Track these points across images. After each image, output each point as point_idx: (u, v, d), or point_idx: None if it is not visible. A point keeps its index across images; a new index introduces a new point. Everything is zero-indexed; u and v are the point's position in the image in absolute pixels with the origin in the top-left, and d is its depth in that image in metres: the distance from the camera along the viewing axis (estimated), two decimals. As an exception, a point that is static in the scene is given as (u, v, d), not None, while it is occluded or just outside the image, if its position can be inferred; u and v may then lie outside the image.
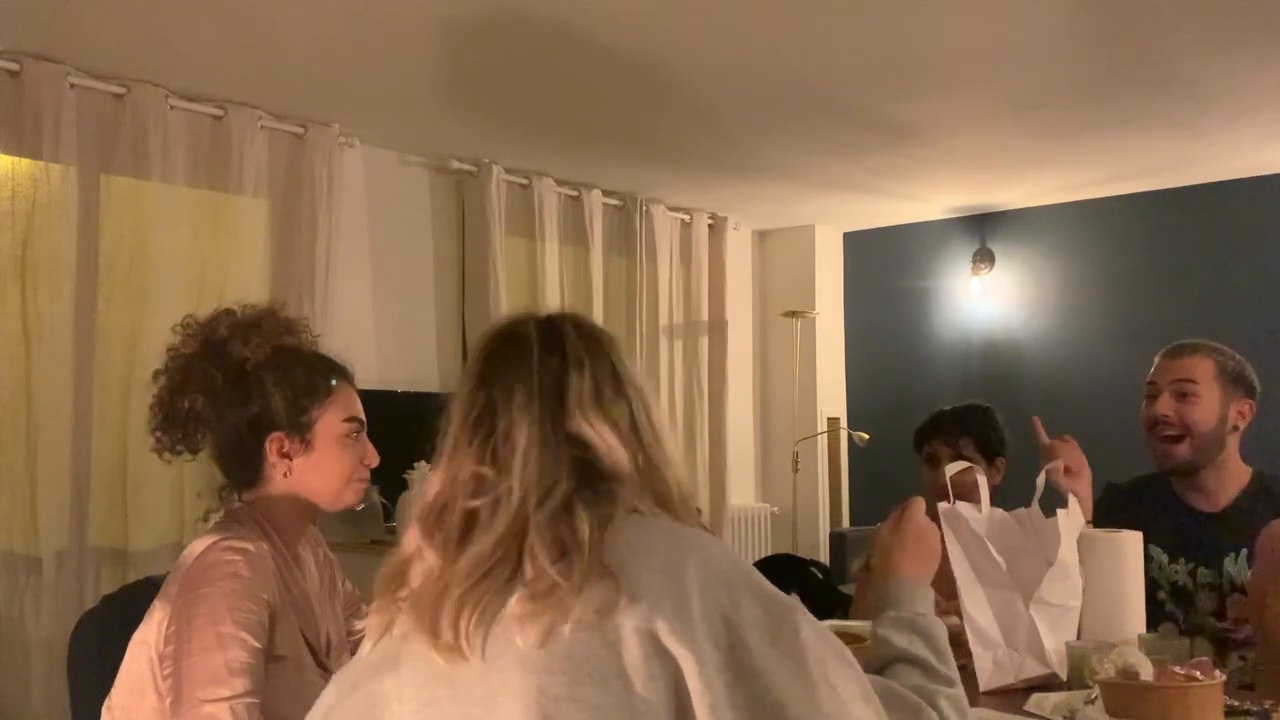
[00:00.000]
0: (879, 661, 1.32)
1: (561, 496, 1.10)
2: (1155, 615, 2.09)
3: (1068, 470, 2.11)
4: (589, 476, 1.12)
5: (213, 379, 1.71)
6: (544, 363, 1.16)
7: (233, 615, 1.56)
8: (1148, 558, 2.14)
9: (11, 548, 3.19)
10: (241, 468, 1.74)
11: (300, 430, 1.72)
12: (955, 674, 1.30)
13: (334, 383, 1.76)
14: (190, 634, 1.55)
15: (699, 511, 1.16)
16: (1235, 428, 2.27)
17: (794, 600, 1.11)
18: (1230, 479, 2.27)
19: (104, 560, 3.38)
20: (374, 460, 1.80)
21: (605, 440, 1.13)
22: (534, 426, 1.12)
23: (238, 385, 1.71)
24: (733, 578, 1.08)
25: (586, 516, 1.09)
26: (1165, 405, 2.26)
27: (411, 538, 1.15)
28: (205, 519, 1.76)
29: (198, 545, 1.65)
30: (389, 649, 1.15)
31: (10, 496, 3.19)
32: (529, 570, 1.07)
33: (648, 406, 1.19)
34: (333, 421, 1.75)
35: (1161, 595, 2.25)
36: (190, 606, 1.58)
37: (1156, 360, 2.35)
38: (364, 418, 1.80)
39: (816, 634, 1.08)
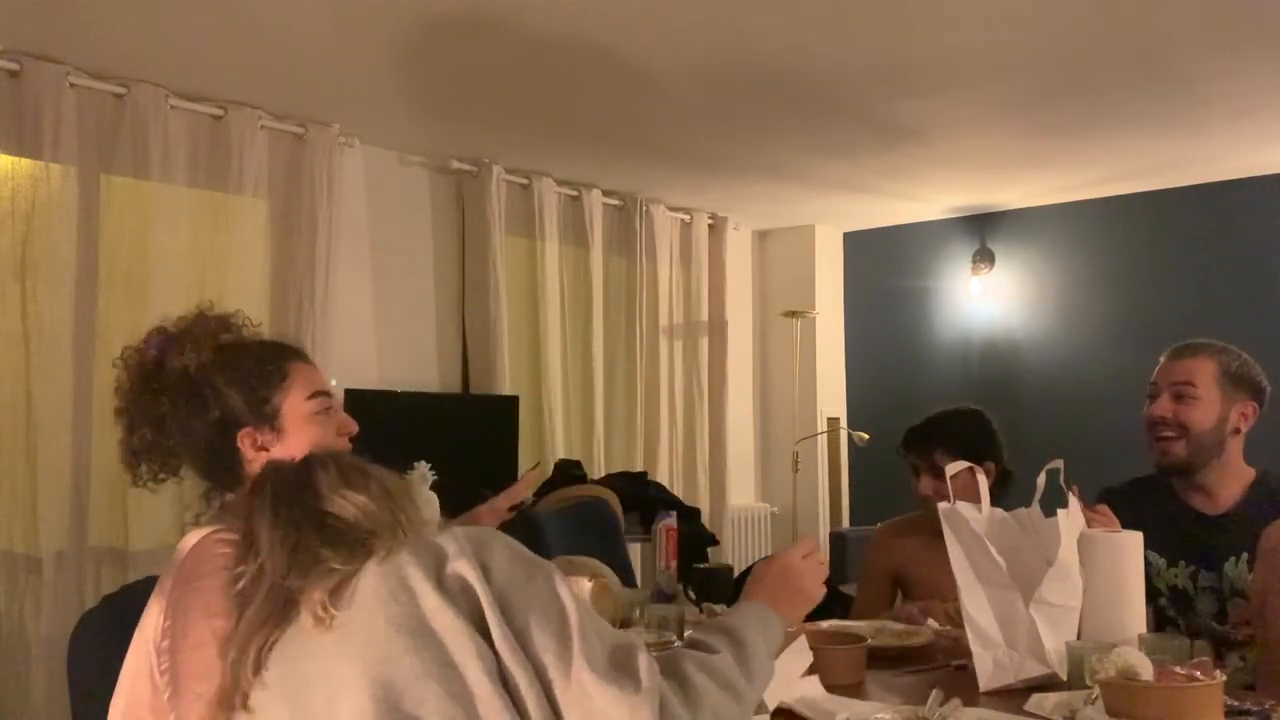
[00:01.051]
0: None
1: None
2: (1156, 620, 2.08)
3: None
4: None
5: (156, 405, 1.68)
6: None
7: (226, 608, 1.56)
8: (1144, 563, 2.13)
9: (11, 548, 3.19)
10: (223, 470, 1.72)
11: (267, 419, 1.69)
12: (747, 666, 1.34)
13: (287, 364, 1.73)
14: (184, 628, 1.55)
15: None
16: (1237, 430, 2.26)
17: (550, 564, 1.31)
18: (1231, 480, 2.26)
19: (104, 560, 3.38)
20: (352, 428, 1.78)
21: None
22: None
23: (190, 396, 1.67)
24: (487, 539, 1.29)
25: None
26: (1163, 407, 2.26)
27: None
28: (196, 523, 1.76)
29: (190, 538, 1.65)
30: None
31: (10, 496, 3.19)
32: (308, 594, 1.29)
33: None
34: (298, 402, 1.71)
35: (1162, 601, 2.24)
36: (183, 600, 1.57)
37: (1161, 360, 2.34)
38: (330, 390, 1.77)
39: (564, 584, 1.27)
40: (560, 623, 1.23)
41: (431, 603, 1.23)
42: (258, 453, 1.70)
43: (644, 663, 1.23)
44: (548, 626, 1.23)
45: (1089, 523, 2.07)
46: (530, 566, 1.29)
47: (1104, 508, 2.14)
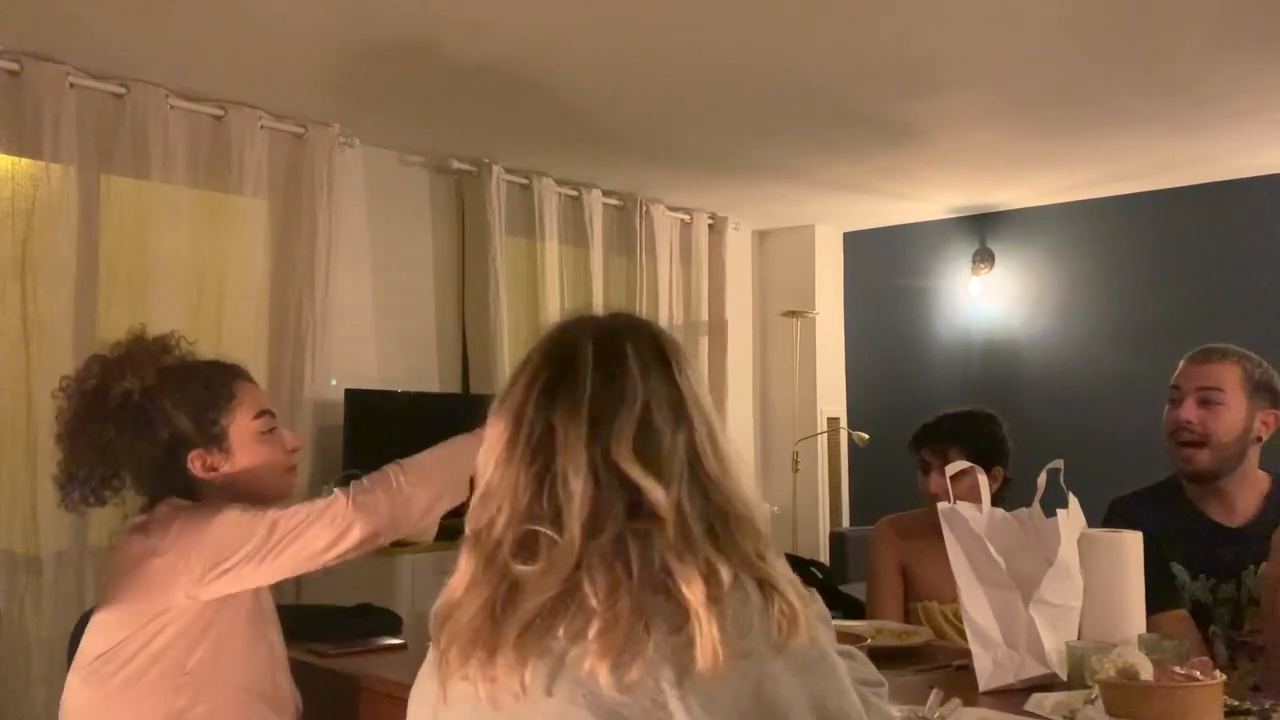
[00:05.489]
0: None
1: (611, 538, 1.07)
2: None
3: None
4: (637, 516, 1.09)
5: (102, 433, 1.68)
6: (596, 395, 1.14)
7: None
8: (1170, 576, 2.11)
9: (11, 548, 3.19)
10: (172, 486, 1.73)
11: (216, 441, 1.71)
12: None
13: (234, 385, 1.76)
14: (199, 542, 1.62)
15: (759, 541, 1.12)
16: (1259, 438, 2.20)
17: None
18: (1250, 489, 2.21)
19: (104, 560, 3.37)
20: (295, 443, 1.82)
21: (649, 481, 1.09)
22: (587, 466, 1.09)
23: (136, 419, 1.68)
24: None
25: (639, 557, 1.06)
26: (1189, 411, 2.17)
27: (465, 570, 1.12)
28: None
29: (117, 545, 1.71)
30: (442, 677, 1.12)
31: (10, 496, 3.19)
32: (593, 609, 1.04)
33: (711, 430, 1.18)
34: (245, 422, 1.74)
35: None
36: (144, 563, 1.66)
37: (1181, 364, 2.25)
38: (272, 408, 1.80)
39: None
40: None
41: None
42: (208, 472, 1.72)
43: None
44: None
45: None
46: None
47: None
